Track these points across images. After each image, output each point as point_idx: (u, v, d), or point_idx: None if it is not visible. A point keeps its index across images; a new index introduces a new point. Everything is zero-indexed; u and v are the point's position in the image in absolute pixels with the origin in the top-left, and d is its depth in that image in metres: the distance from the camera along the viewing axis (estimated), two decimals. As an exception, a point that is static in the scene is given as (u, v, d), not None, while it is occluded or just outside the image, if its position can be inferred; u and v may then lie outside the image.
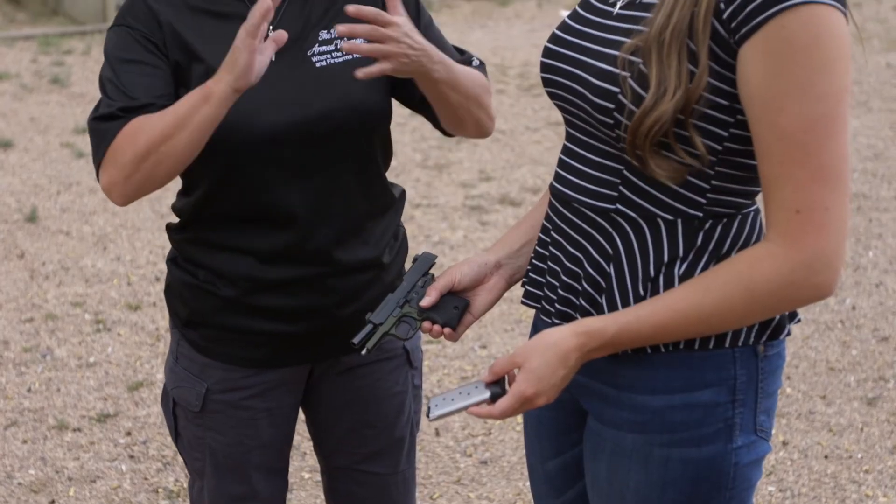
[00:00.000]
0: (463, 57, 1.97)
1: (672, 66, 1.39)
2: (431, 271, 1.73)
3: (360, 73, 1.66)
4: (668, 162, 1.43)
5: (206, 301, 1.94)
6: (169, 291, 2.03)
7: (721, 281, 1.43)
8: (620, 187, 1.50)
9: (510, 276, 1.72)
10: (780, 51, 1.34)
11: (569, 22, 1.59)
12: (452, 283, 1.68)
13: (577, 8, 1.60)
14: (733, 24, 1.37)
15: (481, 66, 1.98)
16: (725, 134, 1.43)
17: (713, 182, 1.47)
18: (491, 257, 1.71)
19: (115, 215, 5.20)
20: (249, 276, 1.90)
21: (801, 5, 1.33)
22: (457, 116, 1.88)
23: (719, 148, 1.44)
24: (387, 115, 1.93)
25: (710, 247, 1.49)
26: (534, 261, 1.66)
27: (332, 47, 1.86)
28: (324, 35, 1.87)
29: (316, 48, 1.86)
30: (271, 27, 1.84)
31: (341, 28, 1.64)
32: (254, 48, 1.66)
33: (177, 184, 1.98)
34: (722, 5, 1.38)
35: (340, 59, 1.86)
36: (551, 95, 1.58)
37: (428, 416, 1.55)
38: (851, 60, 1.38)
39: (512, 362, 1.51)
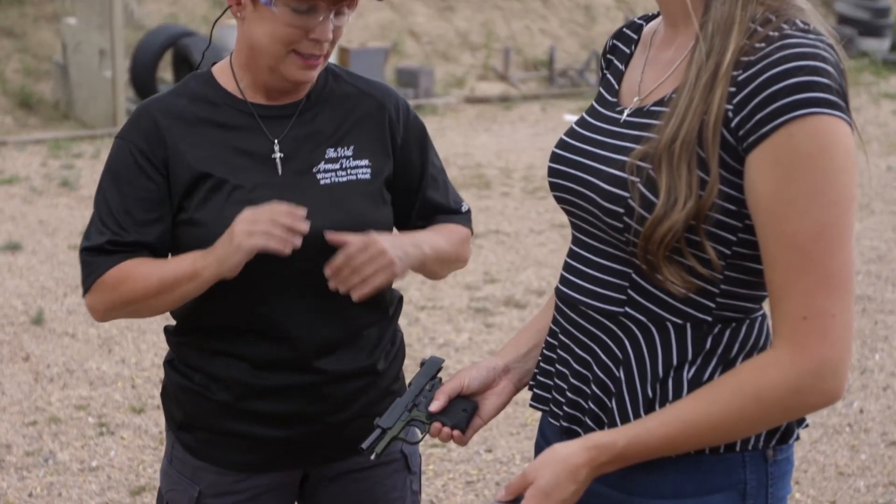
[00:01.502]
0: (453, 207, 2.06)
1: (682, 176, 1.41)
2: (439, 375, 1.73)
3: (356, 296, 1.81)
4: (680, 271, 1.44)
5: (201, 404, 1.96)
6: (165, 394, 2.05)
7: (729, 390, 1.42)
8: (629, 291, 1.51)
9: (518, 380, 1.72)
10: (788, 160, 1.36)
11: (576, 128, 1.62)
12: (461, 387, 1.68)
13: (584, 115, 1.63)
14: (741, 133, 1.39)
15: (467, 214, 2.08)
16: (734, 238, 1.45)
17: (722, 286, 1.47)
18: (499, 361, 1.71)
19: (121, 317, 5.21)
20: (243, 381, 1.91)
21: (809, 115, 1.36)
22: (436, 276, 2.04)
23: (728, 252, 1.45)
24: (389, 227, 1.96)
25: (719, 351, 1.49)
26: (542, 364, 1.66)
27: (337, 166, 1.91)
28: (330, 153, 1.91)
29: (322, 165, 1.90)
30: (277, 142, 1.89)
31: (331, 237, 1.80)
32: (248, 258, 1.77)
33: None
34: (730, 114, 1.40)
35: (344, 178, 1.90)
36: (559, 199, 1.60)
37: None
38: (856, 170, 1.40)
39: (524, 480, 1.50)
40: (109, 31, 8.50)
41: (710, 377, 1.48)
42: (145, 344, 4.92)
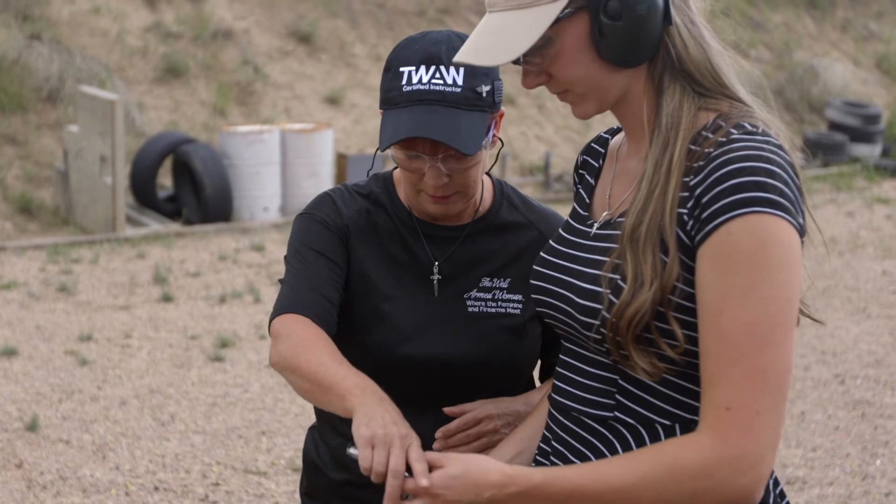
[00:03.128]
0: None
1: (648, 260, 1.44)
2: None
3: None
4: (649, 356, 1.46)
5: (320, 478, 2.01)
6: (303, 457, 2.09)
7: (649, 458, 1.43)
8: (617, 396, 1.53)
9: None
10: (726, 255, 1.40)
11: (553, 244, 1.66)
12: None
13: (560, 230, 1.67)
14: (692, 233, 1.44)
15: None
16: None
17: None
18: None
19: (116, 423, 5.17)
20: (357, 469, 1.88)
21: (748, 214, 1.39)
22: None
23: None
24: (528, 362, 1.94)
25: None
26: None
27: (489, 296, 1.91)
28: (485, 282, 1.92)
29: (474, 292, 1.91)
30: (437, 264, 1.91)
31: (449, 410, 1.83)
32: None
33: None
34: (685, 217, 1.45)
35: (493, 310, 1.90)
36: (543, 314, 1.63)
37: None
38: (799, 269, 1.42)
39: (439, 461, 1.49)
40: (111, 138, 8.61)
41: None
42: (140, 450, 4.88)
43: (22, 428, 5.10)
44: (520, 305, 1.91)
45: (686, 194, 1.44)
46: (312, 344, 1.77)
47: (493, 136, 1.86)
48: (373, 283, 1.91)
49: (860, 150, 12.31)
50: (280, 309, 1.83)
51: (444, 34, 1.82)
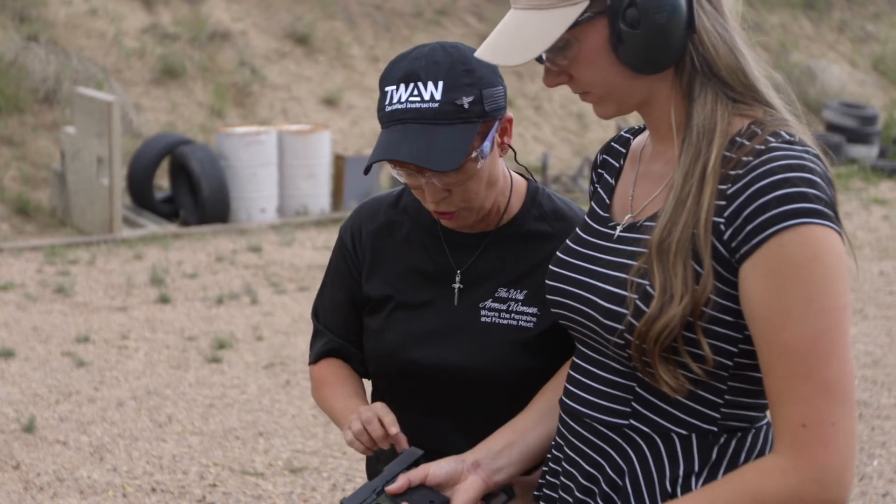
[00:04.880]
0: None
1: (678, 273, 1.42)
2: (414, 466, 1.72)
3: None
4: (675, 371, 1.44)
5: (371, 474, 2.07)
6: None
7: (730, 491, 1.42)
8: (633, 403, 1.51)
9: (488, 478, 1.69)
10: (780, 269, 1.38)
11: (572, 245, 1.63)
12: (425, 476, 1.66)
13: (579, 231, 1.64)
14: (734, 244, 1.41)
15: None
16: (735, 350, 1.45)
17: (727, 397, 1.48)
18: (469, 456, 1.71)
19: (114, 425, 5.17)
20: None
21: (798, 225, 1.37)
22: None
23: (730, 364, 1.46)
24: (546, 373, 1.91)
25: (726, 462, 1.49)
26: (547, 476, 1.65)
27: (503, 307, 1.89)
28: (501, 293, 1.90)
29: (489, 302, 1.90)
30: (459, 273, 1.92)
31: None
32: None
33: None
34: (722, 227, 1.42)
35: (506, 322, 1.88)
36: (560, 316, 1.61)
37: None
38: (849, 278, 1.41)
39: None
40: (108, 139, 8.61)
41: (710, 482, 1.47)
42: (137, 451, 4.87)
43: (19, 429, 5.09)
44: (533, 319, 1.88)
45: (723, 202, 1.42)
46: (322, 385, 2.03)
47: (501, 142, 1.84)
48: (388, 293, 1.94)
49: (857, 151, 12.32)
50: (312, 357, 2.09)
51: (428, 48, 1.81)
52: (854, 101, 13.12)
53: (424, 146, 1.73)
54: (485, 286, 1.91)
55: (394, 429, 1.76)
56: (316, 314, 2.08)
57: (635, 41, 1.45)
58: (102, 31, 11.17)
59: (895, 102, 14.12)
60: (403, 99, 1.77)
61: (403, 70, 1.79)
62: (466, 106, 1.75)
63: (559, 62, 1.51)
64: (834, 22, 15.28)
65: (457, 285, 1.92)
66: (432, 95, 1.75)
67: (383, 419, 1.77)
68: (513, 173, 1.97)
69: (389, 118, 1.78)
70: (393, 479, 1.68)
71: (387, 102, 1.79)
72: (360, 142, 11.16)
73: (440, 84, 1.75)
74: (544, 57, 1.51)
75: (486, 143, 1.79)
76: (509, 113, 1.86)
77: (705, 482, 1.48)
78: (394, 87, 1.79)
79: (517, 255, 1.90)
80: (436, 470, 1.67)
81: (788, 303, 1.38)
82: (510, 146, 1.89)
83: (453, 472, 1.68)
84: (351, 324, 2.02)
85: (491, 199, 1.88)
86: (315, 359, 2.08)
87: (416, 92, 1.76)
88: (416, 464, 1.72)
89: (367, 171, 1.78)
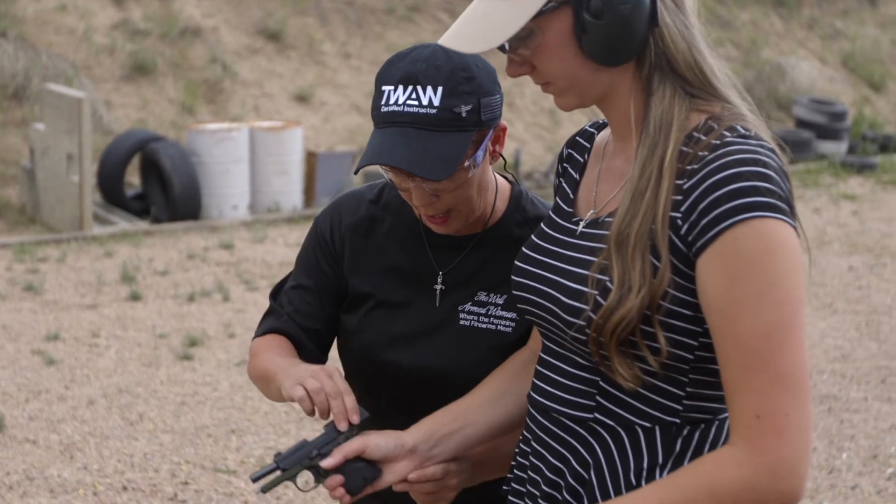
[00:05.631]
0: None
1: (636, 266, 1.43)
2: (355, 429, 1.71)
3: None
4: (631, 364, 1.46)
5: None
6: None
7: (687, 482, 1.43)
8: (597, 397, 1.53)
9: (420, 464, 1.70)
10: (733, 262, 1.39)
11: (535, 239, 1.64)
12: (363, 450, 1.67)
13: (543, 226, 1.65)
14: (690, 238, 1.43)
15: None
16: (696, 343, 1.47)
17: (688, 389, 1.49)
18: (409, 440, 1.70)
19: (84, 423, 5.14)
20: None
21: (752, 219, 1.39)
22: None
23: (691, 357, 1.47)
24: None
25: (690, 453, 1.50)
26: (515, 471, 1.66)
27: (482, 311, 1.89)
28: (481, 296, 1.89)
29: (468, 305, 1.89)
30: (442, 274, 1.91)
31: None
32: (288, 400, 1.78)
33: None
34: (679, 222, 1.43)
35: (484, 326, 1.88)
36: (524, 311, 1.62)
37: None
38: (803, 272, 1.43)
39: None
40: (78, 136, 8.55)
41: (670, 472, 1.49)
42: (108, 450, 4.85)
43: (-12, 428, 5.06)
44: (512, 324, 1.88)
45: (680, 197, 1.43)
46: (263, 351, 1.89)
47: (492, 152, 1.84)
48: (366, 290, 1.93)
49: (827, 147, 12.40)
50: (258, 331, 1.99)
51: (429, 51, 1.79)
52: (823, 98, 13.21)
53: (418, 153, 1.73)
54: (465, 289, 1.90)
55: (356, 418, 1.71)
56: (275, 296, 2.02)
57: (599, 31, 1.47)
58: (72, 28, 11.09)
59: (864, 99, 14.24)
60: (401, 101, 1.75)
61: (403, 71, 1.77)
62: (464, 115, 1.74)
63: (521, 52, 1.52)
64: (804, 19, 15.38)
65: (439, 286, 1.91)
66: (430, 101, 1.74)
67: (347, 404, 1.71)
68: (497, 176, 1.97)
69: (385, 119, 1.77)
70: (334, 440, 1.68)
71: (383, 102, 1.78)
72: (332, 138, 11.14)
73: (439, 90, 1.74)
74: (507, 47, 1.52)
75: (480, 153, 1.79)
76: (503, 121, 1.85)
77: (669, 473, 1.49)
78: (392, 87, 1.77)
79: (498, 260, 1.89)
80: (373, 449, 1.67)
81: (742, 295, 1.39)
82: (501, 154, 1.88)
83: (389, 453, 1.68)
84: (312, 314, 1.96)
85: (480, 206, 1.87)
86: (263, 333, 1.98)
87: (414, 95, 1.74)
88: (360, 428, 1.70)
89: (357, 171, 1.80)
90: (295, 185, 9.66)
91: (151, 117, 10.65)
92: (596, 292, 1.46)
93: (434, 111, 1.74)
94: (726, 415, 1.53)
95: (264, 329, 1.99)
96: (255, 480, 1.65)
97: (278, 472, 1.66)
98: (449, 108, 1.74)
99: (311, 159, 9.81)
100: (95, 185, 9.31)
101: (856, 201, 10.59)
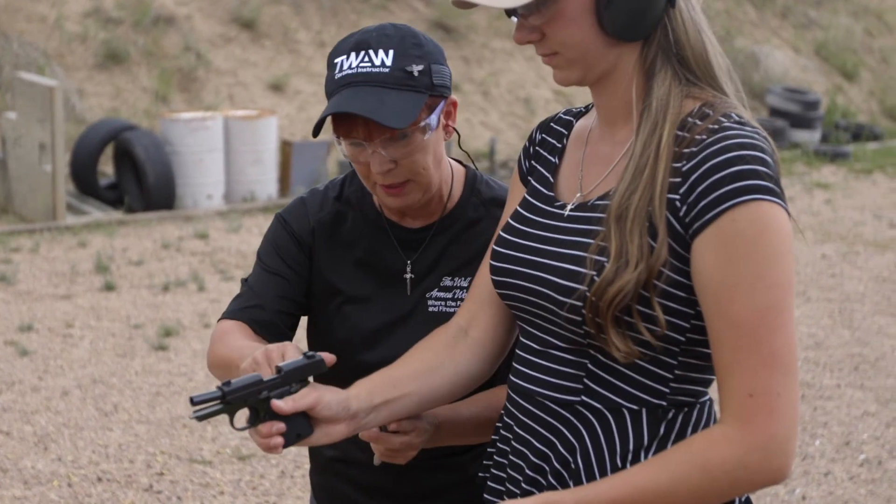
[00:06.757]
0: None
1: (634, 240, 1.45)
2: (310, 378, 1.63)
3: (377, 461, 1.81)
4: (626, 336, 1.47)
5: (317, 457, 2.09)
6: None
7: (678, 459, 1.45)
8: (585, 380, 1.54)
9: (352, 431, 1.63)
10: (731, 244, 1.42)
11: (516, 225, 1.63)
12: (313, 408, 1.58)
13: (521, 210, 1.65)
14: (688, 220, 1.45)
15: None
16: (687, 325, 1.48)
17: (676, 371, 1.51)
18: (353, 405, 1.62)
19: (58, 414, 5.11)
20: (345, 446, 1.86)
21: (750, 201, 1.41)
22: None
23: (682, 339, 1.49)
24: None
25: (673, 436, 1.52)
26: (495, 457, 1.66)
27: (449, 295, 1.91)
28: (446, 281, 1.92)
29: (435, 292, 1.91)
30: (410, 263, 1.92)
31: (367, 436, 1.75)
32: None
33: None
34: (678, 203, 1.45)
35: (452, 310, 1.90)
36: (506, 297, 1.61)
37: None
38: (793, 256, 1.45)
39: None
40: (50, 125, 8.48)
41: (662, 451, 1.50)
42: (82, 441, 4.83)
43: (-39, 420, 5.03)
44: None
45: (678, 180, 1.45)
46: (223, 337, 1.86)
47: (446, 124, 1.85)
48: (336, 286, 1.94)
49: (800, 135, 12.47)
50: (221, 316, 1.94)
51: (377, 25, 1.84)
52: (797, 87, 13.28)
53: (376, 105, 1.75)
54: (431, 276, 1.92)
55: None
56: (248, 281, 1.98)
57: (620, 5, 1.47)
58: (44, 15, 11.00)
59: (837, 88, 14.32)
60: (354, 65, 1.78)
61: (354, 40, 1.81)
62: (416, 74, 1.77)
63: (533, 20, 1.51)
64: (777, 8, 15.44)
65: (408, 275, 1.93)
66: (383, 62, 1.77)
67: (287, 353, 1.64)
68: (451, 161, 1.98)
69: (339, 83, 1.79)
70: (286, 385, 1.59)
71: (336, 71, 1.80)
72: (307, 127, 11.10)
73: (391, 52, 1.78)
74: (518, 12, 1.51)
75: (434, 117, 1.81)
76: (454, 97, 1.87)
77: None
78: (344, 56, 1.80)
79: (460, 244, 1.92)
80: (323, 407, 1.58)
81: (739, 276, 1.41)
82: (455, 129, 1.90)
83: (335, 415, 1.60)
84: (283, 313, 1.93)
85: (437, 180, 1.88)
86: (233, 316, 1.92)
87: (366, 59, 1.78)
88: (315, 367, 1.62)
89: (316, 131, 1.79)
90: (270, 175, 9.63)
91: (125, 106, 10.58)
92: (594, 272, 1.47)
93: (387, 69, 1.77)
94: (707, 398, 1.56)
95: (239, 312, 1.93)
96: (195, 403, 1.55)
97: (221, 404, 1.56)
98: (401, 68, 1.77)
99: (285, 148, 9.78)
100: (68, 175, 9.25)
101: (829, 190, 10.66)
